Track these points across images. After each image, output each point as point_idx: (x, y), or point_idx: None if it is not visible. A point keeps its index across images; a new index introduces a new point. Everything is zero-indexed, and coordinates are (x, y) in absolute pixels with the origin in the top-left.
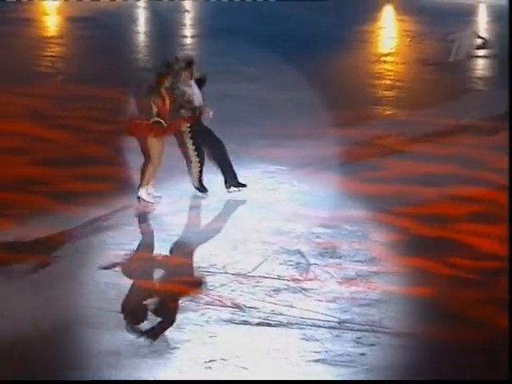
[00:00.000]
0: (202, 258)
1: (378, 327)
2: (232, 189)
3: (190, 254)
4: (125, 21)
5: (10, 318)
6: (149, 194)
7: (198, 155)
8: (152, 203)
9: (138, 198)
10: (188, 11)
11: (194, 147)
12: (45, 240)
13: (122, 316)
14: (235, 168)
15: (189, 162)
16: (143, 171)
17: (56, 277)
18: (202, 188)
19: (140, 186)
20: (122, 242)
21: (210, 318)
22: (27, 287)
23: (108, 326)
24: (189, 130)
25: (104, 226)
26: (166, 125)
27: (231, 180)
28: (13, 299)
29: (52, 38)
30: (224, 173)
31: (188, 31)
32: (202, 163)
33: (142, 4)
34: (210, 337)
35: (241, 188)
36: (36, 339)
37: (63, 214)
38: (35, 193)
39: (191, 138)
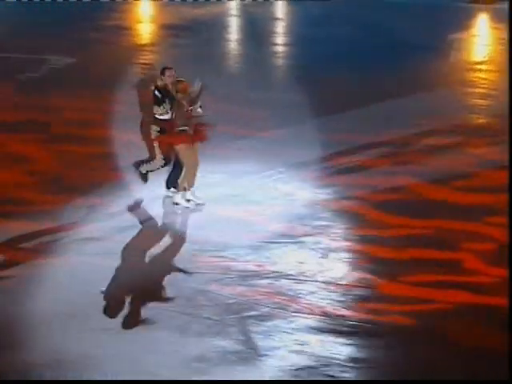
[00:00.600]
0: (291, 265)
1: (464, 337)
2: (172, 189)
3: (280, 262)
4: (217, 28)
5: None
6: (187, 199)
7: (164, 158)
8: (189, 208)
9: (175, 203)
10: (280, 19)
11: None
12: (127, 242)
13: (210, 322)
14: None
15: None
16: (174, 177)
17: (140, 280)
18: (144, 177)
19: (176, 191)
20: (206, 248)
21: (299, 325)
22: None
23: (196, 331)
24: (158, 132)
25: (186, 232)
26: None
27: (171, 183)
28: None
29: (145, 45)
30: (170, 175)
31: (280, 39)
32: (166, 164)
33: (234, 12)
34: (299, 345)
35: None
36: (122, 342)
37: (145, 216)
38: (120, 197)
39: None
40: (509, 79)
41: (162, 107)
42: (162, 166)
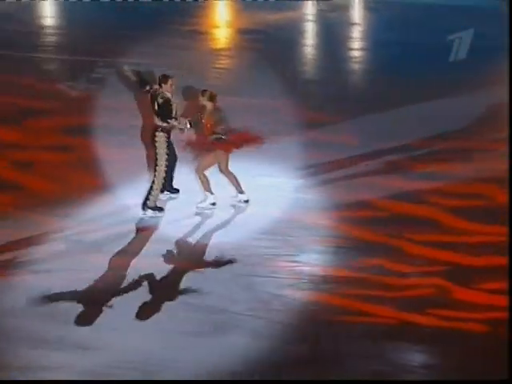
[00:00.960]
0: (365, 271)
1: None
2: (165, 192)
3: (354, 267)
4: (293, 33)
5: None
6: (212, 203)
7: (167, 166)
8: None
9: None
10: (356, 23)
11: (166, 156)
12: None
13: (283, 327)
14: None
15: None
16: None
17: (214, 283)
18: (157, 208)
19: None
20: (281, 252)
21: (373, 331)
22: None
23: (269, 336)
24: (166, 140)
25: (263, 236)
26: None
27: (168, 187)
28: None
29: (221, 50)
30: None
31: (356, 44)
32: (170, 176)
33: (310, 17)
34: (373, 350)
35: (173, 195)
36: (198, 345)
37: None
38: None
39: (167, 147)
40: (508, 79)
41: (173, 119)
42: (164, 178)
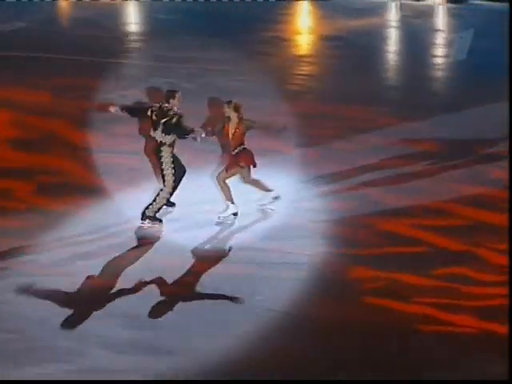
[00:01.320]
0: (445, 279)
1: None
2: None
3: (433, 276)
4: (376, 40)
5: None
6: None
7: (174, 181)
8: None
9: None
10: (441, 30)
11: (173, 171)
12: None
13: (359, 331)
14: None
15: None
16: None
17: (291, 289)
18: (155, 219)
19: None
20: (360, 259)
21: (451, 340)
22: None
23: (341, 339)
24: (171, 155)
25: (336, 242)
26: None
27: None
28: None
29: (304, 56)
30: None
31: (439, 51)
32: (175, 188)
33: (392, 23)
34: (451, 359)
35: (170, 208)
36: (263, 349)
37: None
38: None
39: (172, 160)
40: (508, 81)
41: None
42: (171, 194)
